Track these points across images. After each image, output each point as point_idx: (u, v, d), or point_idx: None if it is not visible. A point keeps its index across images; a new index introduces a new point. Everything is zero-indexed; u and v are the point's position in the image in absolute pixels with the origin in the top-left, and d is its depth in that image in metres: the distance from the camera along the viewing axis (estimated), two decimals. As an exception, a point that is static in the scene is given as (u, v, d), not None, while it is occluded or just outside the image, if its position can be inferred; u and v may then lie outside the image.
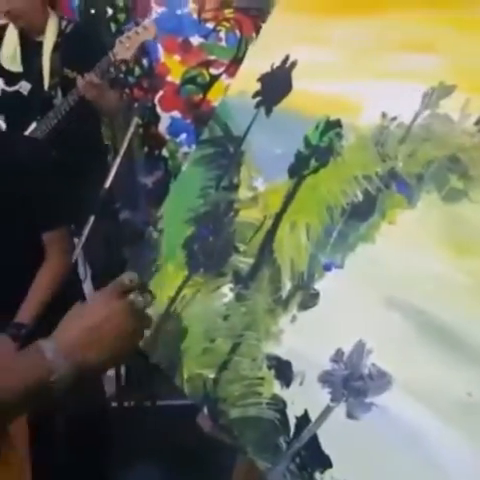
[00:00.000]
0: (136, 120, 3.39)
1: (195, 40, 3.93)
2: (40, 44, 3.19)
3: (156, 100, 4.01)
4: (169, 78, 4.00)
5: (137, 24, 3.30)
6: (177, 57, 3.96)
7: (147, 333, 2.00)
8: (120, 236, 3.61)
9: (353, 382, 1.28)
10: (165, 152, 4.11)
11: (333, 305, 1.43)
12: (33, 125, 3.18)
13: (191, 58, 3.94)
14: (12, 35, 3.21)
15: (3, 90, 3.28)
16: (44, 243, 2.35)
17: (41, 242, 2.34)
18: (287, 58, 1.80)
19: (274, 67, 1.86)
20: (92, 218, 2.73)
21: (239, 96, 1.99)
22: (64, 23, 3.26)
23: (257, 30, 3.58)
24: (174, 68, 3.99)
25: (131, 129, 2.85)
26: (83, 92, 3.06)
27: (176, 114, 4.04)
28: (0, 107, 3.30)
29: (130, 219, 3.98)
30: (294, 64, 1.78)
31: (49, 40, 3.18)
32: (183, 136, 4.04)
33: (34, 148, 2.43)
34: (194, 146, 3.91)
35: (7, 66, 3.22)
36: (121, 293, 1.24)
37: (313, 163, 1.61)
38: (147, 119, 4.01)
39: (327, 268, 1.46)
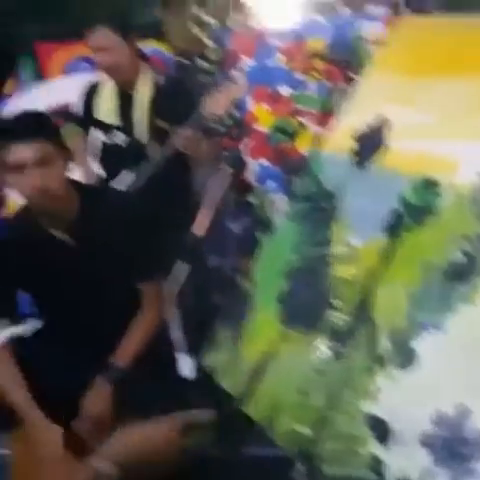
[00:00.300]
0: (226, 169, 3.46)
1: (284, 90, 3.98)
2: (135, 97, 3.29)
3: (244, 148, 4.08)
4: (257, 126, 4.06)
5: (227, 77, 3.36)
6: (266, 106, 4.02)
7: (241, 384, 2.03)
8: (209, 282, 3.65)
9: (456, 446, 1.27)
10: (253, 199, 4.17)
11: (432, 366, 1.42)
12: (129, 176, 3.27)
13: (280, 108, 3.99)
14: (109, 89, 3.33)
15: (103, 142, 3.39)
16: (141, 292, 2.41)
17: (137, 291, 2.40)
18: (381, 117, 1.82)
19: (368, 125, 1.88)
20: (184, 267, 2.77)
21: (333, 152, 2.02)
22: (157, 76, 3.35)
23: (347, 81, 3.60)
24: (263, 117, 4.05)
25: (222, 178, 2.90)
26: (177, 145, 3.14)
27: (264, 162, 4.10)
28: (99, 158, 3.41)
29: (219, 266, 4.03)
30: (388, 123, 1.79)
31: (143, 93, 3.28)
32: (271, 183, 4.09)
33: (128, 201, 2.50)
34: (282, 194, 3.96)
35: (105, 119, 3.33)
36: (185, 428, 1.31)
37: (410, 221, 1.62)
38: (235, 166, 4.08)
39: (426, 328, 1.46)
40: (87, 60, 4.30)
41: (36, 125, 2.25)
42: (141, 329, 2.40)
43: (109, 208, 2.35)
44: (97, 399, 2.29)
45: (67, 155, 2.30)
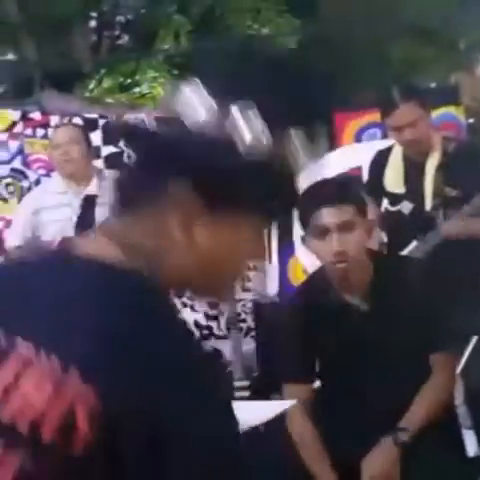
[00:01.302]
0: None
1: None
2: (423, 165, 3.27)
3: None
4: None
5: None
6: None
7: None
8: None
9: None
10: None
11: None
12: (412, 244, 3.26)
13: None
14: (396, 157, 3.36)
15: (386, 209, 3.42)
16: (431, 362, 2.35)
17: (426, 360, 2.35)
18: None
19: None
20: (474, 338, 2.68)
21: None
22: (448, 142, 3.31)
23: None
24: None
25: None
26: (470, 214, 3.05)
27: None
28: (383, 225, 3.44)
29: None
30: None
31: (433, 160, 3.25)
32: None
33: (422, 270, 2.47)
34: None
35: (390, 187, 3.35)
36: None
37: None
38: None
39: None
40: (377, 126, 4.39)
41: (342, 190, 2.31)
42: (432, 396, 2.31)
43: (404, 276, 2.34)
44: (383, 460, 2.24)
45: (368, 223, 2.34)
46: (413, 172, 3.31)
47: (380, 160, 3.43)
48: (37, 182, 4.73)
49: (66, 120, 3.81)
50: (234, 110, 0.97)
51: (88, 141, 3.76)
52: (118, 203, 0.98)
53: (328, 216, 2.22)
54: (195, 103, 1.01)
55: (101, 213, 3.48)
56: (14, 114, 5.05)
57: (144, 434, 0.82)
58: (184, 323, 0.96)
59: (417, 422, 2.27)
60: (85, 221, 3.58)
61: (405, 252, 3.25)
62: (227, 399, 0.93)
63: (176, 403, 0.84)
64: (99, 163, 4.75)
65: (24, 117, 5.00)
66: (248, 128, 0.99)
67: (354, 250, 2.24)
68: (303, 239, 2.37)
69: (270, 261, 4.73)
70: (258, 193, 0.98)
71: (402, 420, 2.28)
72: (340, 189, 2.33)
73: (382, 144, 3.86)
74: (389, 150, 3.43)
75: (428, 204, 3.27)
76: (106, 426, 0.82)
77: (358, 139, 4.50)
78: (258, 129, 1.00)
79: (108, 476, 0.83)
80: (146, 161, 0.96)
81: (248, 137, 0.99)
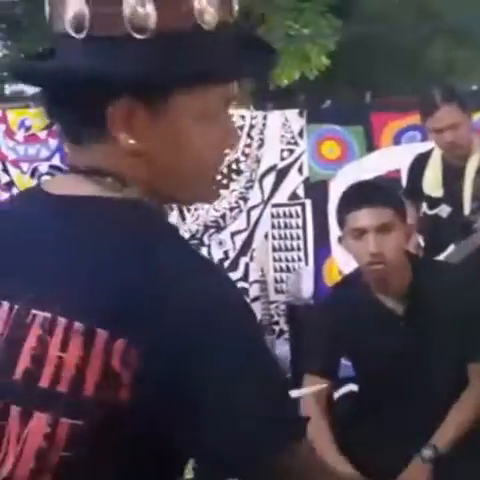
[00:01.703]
0: None
1: None
2: (462, 168, 3.24)
3: None
4: None
5: None
6: None
7: None
8: None
9: None
10: None
11: None
12: (450, 248, 3.23)
13: None
14: (436, 161, 3.33)
15: (424, 213, 3.40)
16: (469, 371, 2.31)
17: (463, 370, 2.32)
18: None
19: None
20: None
21: None
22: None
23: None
24: None
25: None
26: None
27: None
28: (420, 229, 3.42)
29: None
30: None
31: (473, 164, 3.23)
32: None
33: (462, 275, 2.43)
34: None
35: (429, 191, 3.33)
36: None
37: None
38: None
39: None
40: (417, 129, 4.35)
41: (381, 192, 2.31)
42: (467, 410, 2.27)
43: (443, 282, 2.31)
44: (415, 478, 2.21)
45: (407, 227, 2.31)
46: (452, 175, 3.28)
47: (419, 163, 3.41)
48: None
49: None
50: None
51: None
52: (67, 139, 0.95)
53: (366, 217, 2.21)
54: None
55: None
56: (54, 111, 5.10)
57: (186, 380, 0.83)
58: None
59: (449, 439, 2.23)
60: None
61: (442, 256, 3.22)
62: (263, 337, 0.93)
63: (218, 346, 0.84)
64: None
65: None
66: None
67: (391, 252, 2.22)
68: (340, 239, 2.36)
69: (306, 263, 4.71)
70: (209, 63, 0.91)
71: (434, 435, 2.24)
72: (379, 191, 2.32)
73: (422, 147, 3.84)
74: (429, 153, 3.40)
75: (467, 208, 3.23)
76: (148, 378, 0.83)
77: (397, 141, 4.46)
78: None
79: (152, 427, 0.84)
80: (76, 93, 0.89)
81: None
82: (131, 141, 0.89)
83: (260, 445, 0.85)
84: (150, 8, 0.85)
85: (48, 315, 0.86)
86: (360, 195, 2.28)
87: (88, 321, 0.84)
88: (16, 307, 0.89)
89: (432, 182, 3.35)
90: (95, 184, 0.92)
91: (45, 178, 0.93)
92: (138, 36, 0.86)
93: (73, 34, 0.87)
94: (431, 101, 3.16)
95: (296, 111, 4.70)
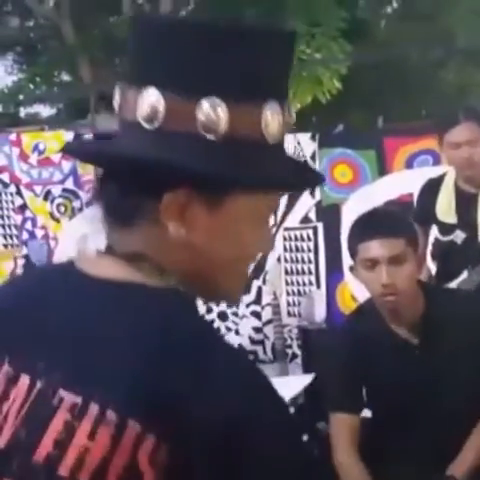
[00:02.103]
0: None
1: None
2: (476, 194, 3.22)
3: None
4: None
5: None
6: None
7: None
8: None
9: None
10: None
11: None
12: (464, 274, 3.21)
13: None
14: (448, 186, 3.31)
15: (436, 239, 3.37)
16: None
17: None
18: None
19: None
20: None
21: None
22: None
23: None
24: None
25: None
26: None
27: None
28: (433, 255, 3.39)
29: None
30: None
31: (488, 190, 3.21)
32: None
33: (476, 303, 2.41)
34: None
35: (442, 217, 3.31)
36: None
37: None
38: None
39: None
40: (429, 153, 4.35)
41: (394, 222, 2.29)
42: None
43: (457, 310, 2.29)
44: None
45: (419, 256, 2.29)
46: (465, 201, 3.25)
47: (431, 189, 3.38)
48: (89, 203, 4.80)
49: None
50: None
51: None
52: (110, 219, 0.96)
53: (378, 248, 2.19)
54: None
55: None
56: (68, 135, 5.14)
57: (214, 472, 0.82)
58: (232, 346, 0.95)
59: (466, 469, 2.19)
60: None
61: (456, 282, 3.20)
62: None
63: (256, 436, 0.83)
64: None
65: (77, 138, 5.08)
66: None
67: (403, 283, 2.20)
68: (351, 268, 2.34)
69: (318, 286, 4.70)
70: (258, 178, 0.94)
71: (452, 466, 2.21)
72: (391, 221, 2.30)
73: (434, 171, 3.83)
74: (440, 179, 3.38)
75: (481, 235, 3.21)
76: (172, 471, 0.81)
77: (409, 165, 4.46)
78: None
79: None
80: (134, 178, 0.92)
81: None
82: (182, 231, 0.91)
83: None
84: (223, 113, 0.89)
85: (78, 400, 0.84)
86: (372, 225, 2.26)
87: (121, 411, 0.82)
88: (39, 384, 0.87)
89: (445, 208, 3.32)
90: (134, 269, 0.92)
91: (79, 256, 0.96)
92: (208, 136, 0.89)
93: (144, 125, 0.90)
94: (451, 117, 3.14)
95: (308, 135, 4.71)
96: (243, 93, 0.90)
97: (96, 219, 1.01)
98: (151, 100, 0.89)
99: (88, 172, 4.74)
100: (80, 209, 4.88)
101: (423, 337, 2.28)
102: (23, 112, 12.60)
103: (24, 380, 0.88)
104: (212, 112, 0.88)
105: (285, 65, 0.94)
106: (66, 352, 0.87)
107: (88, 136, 5.10)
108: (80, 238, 3.66)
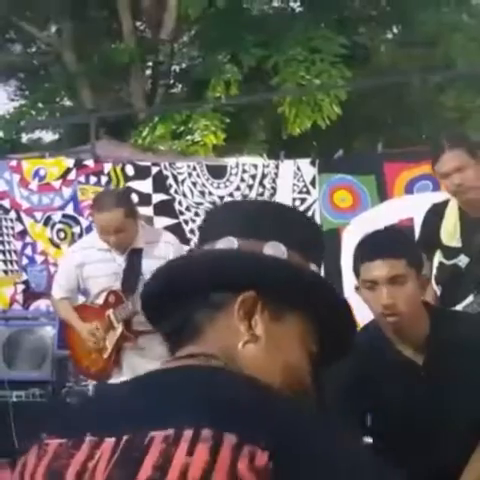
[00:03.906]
0: None
1: None
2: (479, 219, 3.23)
3: None
4: None
5: None
6: None
7: None
8: None
9: None
10: None
11: None
12: (469, 298, 3.20)
13: None
14: (453, 211, 3.31)
15: (441, 263, 3.37)
16: None
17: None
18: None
19: None
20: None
21: None
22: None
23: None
24: None
25: None
26: None
27: None
28: (438, 279, 3.39)
29: None
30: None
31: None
32: None
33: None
34: None
35: (446, 241, 3.31)
36: None
37: None
38: None
39: None
40: (429, 178, 4.36)
41: (394, 243, 2.28)
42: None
43: (462, 332, 2.28)
44: None
45: (422, 277, 2.29)
46: (470, 226, 3.25)
47: (436, 213, 3.38)
48: (88, 229, 4.80)
49: (109, 200, 3.57)
50: None
51: (133, 212, 3.60)
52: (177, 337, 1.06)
53: (378, 269, 2.19)
54: None
55: (147, 265, 3.49)
56: (68, 161, 5.16)
57: None
58: None
59: None
60: (132, 274, 3.58)
61: (460, 306, 3.20)
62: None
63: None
64: (149, 211, 4.80)
65: (78, 164, 5.10)
66: None
67: (404, 303, 2.20)
68: (356, 288, 2.34)
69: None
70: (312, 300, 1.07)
71: None
72: (392, 242, 2.31)
73: (434, 196, 3.82)
74: (445, 204, 3.38)
75: (485, 259, 3.21)
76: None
77: (409, 190, 4.47)
78: None
79: None
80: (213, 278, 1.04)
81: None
82: (250, 331, 1.02)
83: None
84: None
85: (170, 432, 0.89)
86: (373, 246, 2.27)
87: (217, 427, 0.87)
88: (126, 437, 0.91)
89: (450, 232, 3.32)
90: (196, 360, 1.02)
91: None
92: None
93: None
94: (438, 145, 3.17)
95: (308, 160, 4.72)
96: None
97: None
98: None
99: (88, 198, 4.74)
100: (80, 235, 4.88)
101: (428, 358, 2.27)
102: (25, 138, 12.66)
103: (109, 441, 0.93)
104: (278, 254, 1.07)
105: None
106: (148, 411, 0.94)
107: (89, 161, 5.14)
108: (76, 266, 3.67)
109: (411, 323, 2.24)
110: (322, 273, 4.23)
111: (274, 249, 1.07)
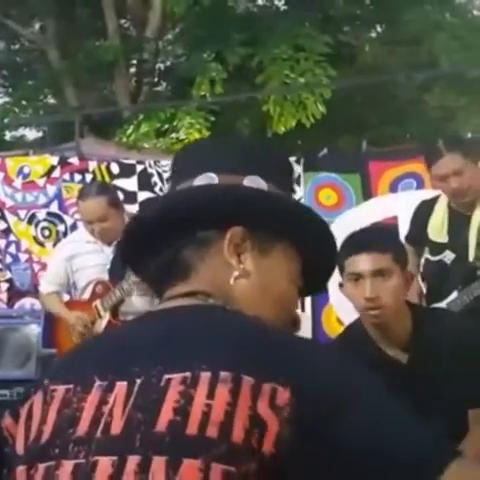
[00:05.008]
0: None
1: None
2: (469, 218, 3.25)
3: None
4: None
5: None
6: None
7: None
8: None
9: None
10: None
11: None
12: (454, 294, 3.23)
13: None
14: (441, 207, 3.34)
15: (426, 259, 3.40)
16: (469, 418, 2.29)
17: (464, 419, 2.29)
18: None
19: None
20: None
21: None
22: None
23: None
24: None
25: None
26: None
27: None
28: (424, 275, 3.41)
29: None
30: None
31: (479, 215, 3.24)
32: None
33: (462, 324, 2.42)
34: None
35: (433, 237, 3.34)
36: None
37: None
38: None
39: None
40: (413, 177, 4.38)
41: (379, 238, 2.31)
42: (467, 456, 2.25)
43: (444, 330, 2.30)
44: None
45: (406, 274, 2.31)
46: (458, 223, 3.28)
47: (424, 210, 3.41)
48: (73, 227, 4.79)
49: (94, 189, 3.61)
50: None
51: (117, 203, 3.63)
52: (167, 276, 1.05)
53: (363, 262, 2.22)
54: None
55: None
56: (52, 159, 5.14)
57: (334, 435, 0.85)
58: None
59: None
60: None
61: (445, 302, 3.22)
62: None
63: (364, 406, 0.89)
64: (134, 208, 4.80)
65: (62, 162, 5.08)
66: None
67: (388, 297, 2.21)
68: (340, 285, 2.36)
69: (303, 309, 4.70)
70: (299, 233, 1.08)
71: None
72: (379, 237, 2.33)
73: (418, 194, 3.84)
74: (434, 200, 3.41)
75: (471, 255, 3.23)
76: (296, 427, 0.85)
77: (394, 189, 4.49)
78: None
79: (299, 476, 0.85)
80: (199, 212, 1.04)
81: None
82: (241, 265, 1.03)
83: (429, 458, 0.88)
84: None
85: (188, 374, 0.88)
86: (359, 241, 2.30)
87: (234, 370, 0.88)
88: (139, 381, 0.91)
89: (437, 228, 3.35)
90: (191, 299, 1.02)
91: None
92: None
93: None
94: (435, 149, 3.19)
95: (293, 159, 4.73)
96: None
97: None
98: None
99: (73, 196, 4.72)
100: (64, 233, 4.86)
101: (412, 357, 2.29)
102: (8, 135, 12.59)
103: (121, 384, 0.92)
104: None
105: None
106: (159, 353, 0.93)
107: (73, 159, 5.12)
108: (66, 259, 3.67)
109: (393, 319, 2.25)
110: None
111: (254, 182, 1.07)
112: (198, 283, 1.03)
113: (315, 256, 1.11)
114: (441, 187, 3.23)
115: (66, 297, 3.90)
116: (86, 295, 3.68)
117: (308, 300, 4.67)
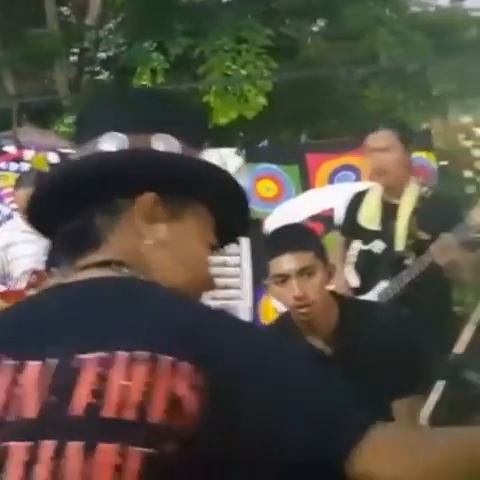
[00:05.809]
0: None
1: None
2: (397, 207, 3.29)
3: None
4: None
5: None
6: None
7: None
8: (465, 398, 3.48)
9: None
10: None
11: None
12: (383, 283, 3.27)
13: None
14: (373, 196, 3.37)
15: (360, 248, 3.42)
16: (394, 409, 2.33)
17: (388, 407, 2.33)
18: None
19: None
20: (441, 384, 2.66)
21: None
22: (424, 189, 3.32)
23: None
24: None
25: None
26: (436, 257, 3.07)
27: None
28: (355, 265, 3.45)
29: (476, 382, 3.83)
30: None
31: (407, 204, 3.26)
32: None
33: (387, 315, 2.46)
34: None
35: (366, 224, 3.37)
36: None
37: None
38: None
39: None
40: (350, 169, 4.43)
41: (300, 237, 2.32)
42: None
43: (369, 321, 2.33)
44: None
45: (328, 267, 2.34)
46: (388, 213, 3.32)
47: (356, 201, 3.45)
48: (9, 216, 4.70)
49: (31, 178, 3.61)
50: None
51: None
52: (78, 245, 1.02)
53: (288, 262, 2.22)
54: None
55: None
56: (-11, 147, 5.05)
57: (252, 407, 0.85)
58: None
59: None
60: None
61: (374, 292, 3.26)
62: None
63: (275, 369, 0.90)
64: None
65: (-1, 149, 4.99)
66: None
67: (315, 294, 2.24)
68: (266, 286, 2.37)
69: (243, 300, 4.72)
70: (209, 195, 1.06)
71: None
72: (299, 235, 2.34)
73: (356, 186, 3.89)
74: (366, 191, 3.45)
75: (400, 245, 3.27)
76: (214, 405, 0.84)
77: (331, 181, 4.54)
78: None
79: (218, 453, 0.84)
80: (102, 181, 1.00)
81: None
82: (153, 233, 1.01)
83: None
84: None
85: (103, 354, 0.86)
86: (280, 241, 2.30)
87: (151, 349, 0.86)
88: (51, 361, 0.88)
89: (368, 218, 3.38)
90: (106, 269, 0.99)
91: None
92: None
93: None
94: (374, 125, 3.24)
95: (233, 150, 4.74)
96: None
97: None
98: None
99: (8, 185, 4.64)
100: (0, 222, 4.78)
101: (337, 348, 2.32)
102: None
103: (33, 364, 0.88)
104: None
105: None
106: (73, 332, 0.90)
107: (10, 148, 5.03)
108: (1, 248, 3.62)
109: (321, 314, 2.27)
110: (249, 263, 4.27)
111: (163, 140, 1.04)
112: (111, 252, 0.99)
113: (227, 211, 1.09)
114: (369, 161, 3.27)
115: (1, 287, 3.83)
116: (22, 285, 3.63)
117: (247, 291, 4.69)
